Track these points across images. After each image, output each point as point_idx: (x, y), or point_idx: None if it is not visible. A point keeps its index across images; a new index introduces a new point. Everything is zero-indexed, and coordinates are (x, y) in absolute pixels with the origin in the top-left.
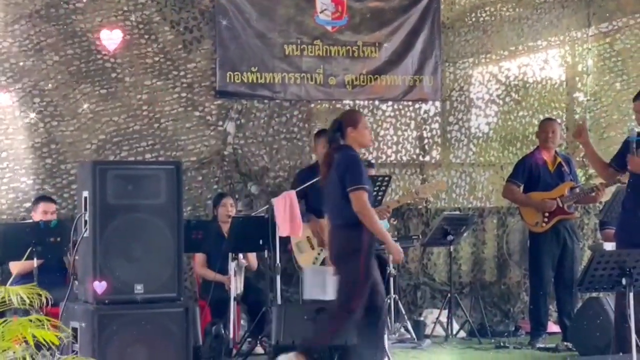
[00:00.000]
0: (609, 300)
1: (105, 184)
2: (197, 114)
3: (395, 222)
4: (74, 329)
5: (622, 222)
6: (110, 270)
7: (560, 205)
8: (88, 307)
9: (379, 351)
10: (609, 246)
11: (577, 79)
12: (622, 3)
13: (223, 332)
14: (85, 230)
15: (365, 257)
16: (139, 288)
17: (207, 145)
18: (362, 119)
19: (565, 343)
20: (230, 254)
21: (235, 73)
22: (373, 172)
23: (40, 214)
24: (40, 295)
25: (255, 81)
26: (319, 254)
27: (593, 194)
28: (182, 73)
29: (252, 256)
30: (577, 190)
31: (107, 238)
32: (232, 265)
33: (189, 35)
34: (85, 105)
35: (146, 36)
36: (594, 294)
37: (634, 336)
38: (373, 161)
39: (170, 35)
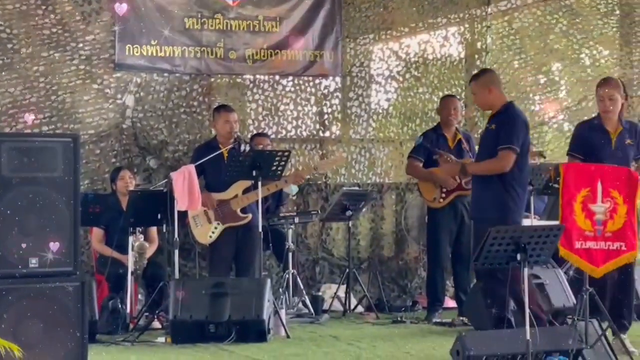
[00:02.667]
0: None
1: None
2: (95, 86)
3: (294, 197)
4: None
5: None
6: (4, 244)
7: (458, 181)
8: None
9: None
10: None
11: (476, 56)
12: None
13: (120, 306)
14: None
15: None
16: (33, 262)
17: (105, 118)
18: None
19: (461, 318)
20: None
21: (135, 46)
22: (270, 145)
23: None
24: None
25: (154, 54)
26: (215, 227)
27: None
28: (80, 45)
29: (153, 235)
30: None
31: (1, 211)
32: (130, 240)
33: (88, 7)
34: None
35: (43, 7)
36: None
37: (527, 310)
38: (272, 135)
39: (68, 7)
